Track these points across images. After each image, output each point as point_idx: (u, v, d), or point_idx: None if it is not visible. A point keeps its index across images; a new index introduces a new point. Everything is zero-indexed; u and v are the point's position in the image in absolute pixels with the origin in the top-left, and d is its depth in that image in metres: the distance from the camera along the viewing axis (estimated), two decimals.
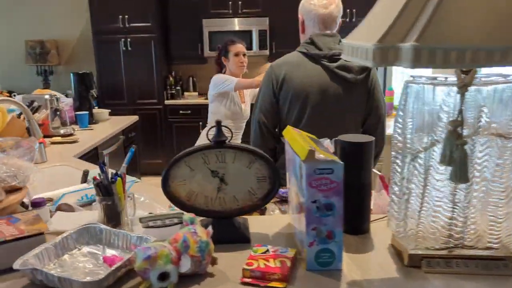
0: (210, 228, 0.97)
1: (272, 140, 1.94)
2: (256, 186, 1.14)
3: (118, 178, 1.15)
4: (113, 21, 4.98)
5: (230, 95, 2.88)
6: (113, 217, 1.16)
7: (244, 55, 2.93)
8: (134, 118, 4.06)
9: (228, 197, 1.15)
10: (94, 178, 1.15)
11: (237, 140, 3.00)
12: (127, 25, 5.00)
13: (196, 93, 5.36)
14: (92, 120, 3.59)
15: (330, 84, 1.81)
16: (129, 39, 5.02)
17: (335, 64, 1.80)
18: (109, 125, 3.64)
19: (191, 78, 5.48)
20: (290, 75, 1.83)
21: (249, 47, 5.14)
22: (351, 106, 1.85)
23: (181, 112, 5.19)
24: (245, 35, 5.18)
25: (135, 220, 1.21)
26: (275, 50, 5.21)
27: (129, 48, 5.04)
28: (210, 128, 1.12)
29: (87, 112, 3.48)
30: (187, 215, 1.01)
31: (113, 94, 5.13)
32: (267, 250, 1.02)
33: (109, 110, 3.91)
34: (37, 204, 1.23)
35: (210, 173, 1.13)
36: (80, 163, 2.43)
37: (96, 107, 3.88)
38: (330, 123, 1.82)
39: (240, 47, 2.93)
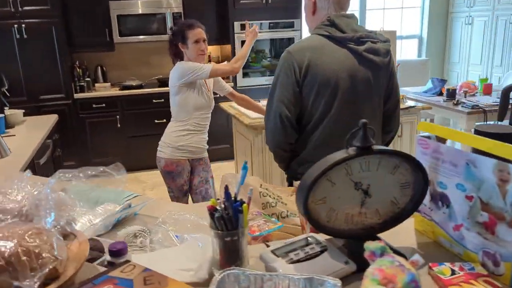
0: (417, 257, 0.77)
1: (295, 134, 1.74)
2: (399, 195, 0.96)
3: (244, 206, 0.87)
4: (1, 4, 4.14)
5: (198, 85, 2.55)
6: (233, 254, 0.88)
7: (204, 41, 2.58)
8: (53, 117, 3.45)
9: (370, 211, 0.95)
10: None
11: (205, 134, 2.70)
12: (19, 9, 4.19)
13: (109, 84, 4.78)
14: (7, 123, 2.95)
15: (359, 68, 1.66)
16: (23, 25, 4.23)
17: (363, 47, 1.65)
18: (29, 128, 3.03)
19: (99, 68, 4.86)
20: (315, 61, 1.63)
21: (163, 31, 4.74)
22: (378, 90, 1.73)
23: (94, 106, 4.59)
24: (158, 18, 4.74)
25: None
26: None
27: (25, 36, 4.25)
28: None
29: (2, 115, 2.84)
30: (373, 244, 0.79)
31: (9, 91, 4.31)
32: (454, 271, 0.85)
33: (23, 110, 3.25)
34: (118, 252, 0.88)
35: (353, 185, 0.92)
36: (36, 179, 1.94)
37: (7, 108, 3.19)
38: (359, 108, 1.69)
39: (200, 32, 2.55)
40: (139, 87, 4.79)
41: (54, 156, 3.13)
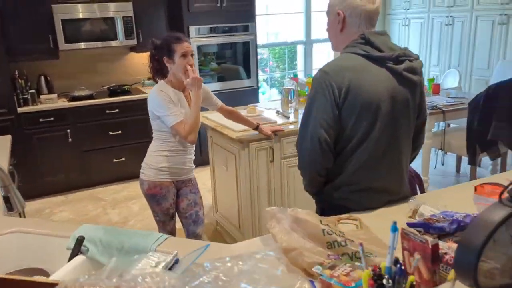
0: None
1: (332, 158, 1.61)
2: None
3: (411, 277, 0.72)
4: None
5: (178, 108, 2.30)
6: None
7: (192, 55, 2.34)
8: (6, 139, 3.00)
9: None
10: None
11: (191, 154, 2.48)
12: None
13: (55, 95, 4.30)
14: None
15: (399, 88, 1.57)
16: None
17: (402, 66, 1.56)
18: None
19: (42, 78, 4.36)
20: (356, 82, 1.51)
21: (114, 37, 4.37)
22: (414, 109, 1.65)
23: (41, 120, 4.10)
24: (107, 23, 4.35)
25: None
26: (142, 38, 4.53)
27: None
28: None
29: None
30: None
31: None
32: None
33: None
34: None
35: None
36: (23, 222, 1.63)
37: None
38: (398, 129, 1.60)
39: (187, 45, 2.29)
40: (90, 97, 4.37)
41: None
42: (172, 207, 2.45)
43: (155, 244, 1.47)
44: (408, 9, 6.14)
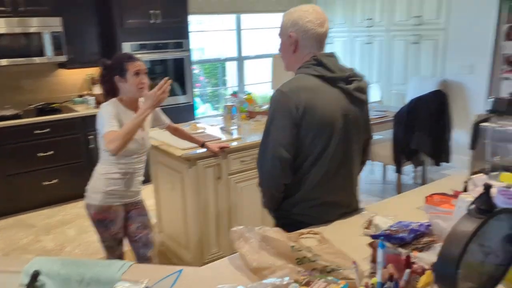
0: None
1: (291, 175, 1.65)
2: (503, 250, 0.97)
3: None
4: None
5: (121, 124, 2.18)
6: None
7: (145, 73, 2.29)
8: None
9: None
10: None
11: (141, 176, 2.40)
12: None
13: None
14: None
15: (350, 107, 1.66)
16: None
17: (352, 86, 1.66)
18: None
19: None
20: (313, 102, 1.58)
21: (39, 53, 4.13)
22: (363, 126, 1.76)
23: None
24: (32, 38, 4.10)
25: None
26: (72, 55, 4.33)
27: None
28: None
29: None
30: None
31: None
32: None
33: None
34: None
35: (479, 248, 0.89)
36: None
37: None
38: (350, 146, 1.70)
39: (140, 64, 2.24)
40: (16, 117, 4.06)
41: None
42: (121, 231, 2.35)
43: (119, 272, 1.41)
44: (332, 28, 6.48)
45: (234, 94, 3.75)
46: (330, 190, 1.68)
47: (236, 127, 3.35)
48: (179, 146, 2.81)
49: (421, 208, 1.78)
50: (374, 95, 5.80)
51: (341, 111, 1.63)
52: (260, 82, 6.62)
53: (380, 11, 5.70)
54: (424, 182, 4.37)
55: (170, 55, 4.73)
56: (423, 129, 3.89)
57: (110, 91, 2.29)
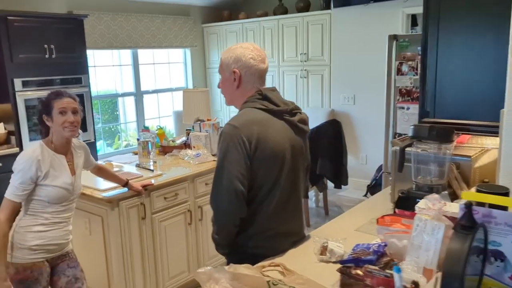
0: None
1: (246, 208, 1.62)
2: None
3: None
4: None
5: (51, 175, 1.98)
6: None
7: (75, 112, 2.02)
8: None
9: None
10: None
11: (70, 225, 2.12)
12: None
13: None
14: None
15: (295, 138, 1.70)
16: None
17: (296, 118, 1.71)
18: None
19: None
20: (264, 135, 1.59)
21: None
22: (306, 155, 1.80)
23: None
24: None
25: None
26: None
27: None
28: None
29: None
30: None
31: None
32: None
33: None
34: None
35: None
36: None
37: None
38: (297, 175, 1.73)
39: (69, 101, 1.99)
40: None
41: None
42: None
43: None
44: None
45: (146, 129, 3.58)
46: (283, 220, 1.68)
47: (151, 163, 3.19)
48: (97, 187, 2.58)
49: (360, 230, 1.88)
50: None
51: (289, 142, 1.67)
52: (161, 116, 6.46)
53: (270, 49, 6.02)
54: (326, 204, 4.63)
55: (69, 91, 4.35)
56: (325, 155, 4.15)
57: (43, 132, 2.06)
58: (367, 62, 5.09)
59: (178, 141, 3.62)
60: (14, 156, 3.93)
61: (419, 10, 4.90)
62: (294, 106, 1.73)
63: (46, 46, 4.14)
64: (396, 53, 2.76)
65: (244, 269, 1.36)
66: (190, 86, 6.71)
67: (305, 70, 5.74)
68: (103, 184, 2.63)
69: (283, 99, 1.73)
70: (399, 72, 2.72)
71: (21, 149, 4.08)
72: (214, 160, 3.23)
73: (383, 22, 4.95)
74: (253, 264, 1.56)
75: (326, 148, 4.18)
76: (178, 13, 6.28)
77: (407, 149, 1.81)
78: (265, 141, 1.58)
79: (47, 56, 4.16)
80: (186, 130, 3.72)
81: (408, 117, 2.71)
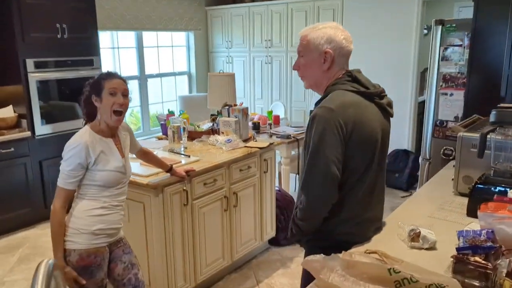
0: None
1: (337, 193, 1.56)
2: None
3: None
4: None
5: (102, 158, 1.88)
6: None
7: (125, 95, 1.91)
8: None
9: None
10: None
11: (123, 209, 2.03)
12: None
13: None
14: None
15: (384, 122, 1.66)
16: None
17: (385, 101, 1.65)
18: None
19: None
20: (359, 118, 1.53)
21: None
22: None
23: None
24: None
25: None
26: None
27: None
28: None
29: None
30: None
31: None
32: None
33: None
34: None
35: None
36: None
37: None
38: (384, 159, 1.69)
39: (119, 82, 1.88)
40: None
41: None
42: (106, 276, 1.95)
43: None
44: (230, 48, 6.52)
45: (171, 113, 3.46)
46: (370, 205, 1.64)
47: (182, 148, 3.09)
48: (138, 173, 2.48)
49: (435, 217, 1.85)
50: (279, 112, 5.99)
51: (380, 126, 1.62)
52: (164, 101, 6.31)
53: (278, 34, 5.93)
54: None
55: (80, 73, 4.18)
56: None
57: (90, 114, 1.94)
58: (382, 49, 5.06)
59: (203, 126, 3.52)
60: (25, 140, 3.81)
61: None
62: (382, 88, 1.68)
63: (58, 25, 3.94)
64: (439, 39, 2.73)
65: (360, 256, 1.31)
66: (193, 70, 6.57)
67: None
68: (143, 169, 2.52)
69: (371, 82, 1.67)
70: (443, 58, 2.69)
71: (32, 133, 3.90)
72: (246, 146, 3.16)
73: (398, 9, 4.92)
74: (339, 251, 1.52)
75: None
76: None
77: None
78: (361, 125, 1.52)
79: (59, 36, 3.96)
80: (211, 115, 3.62)
81: (451, 103, 2.69)
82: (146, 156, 2.36)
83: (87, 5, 4.20)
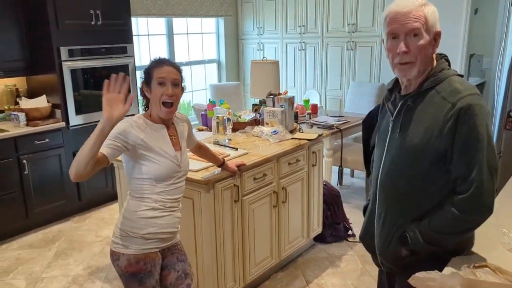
0: None
1: None
2: None
3: None
4: None
5: (147, 143, 1.69)
6: None
7: (176, 84, 1.74)
8: None
9: None
10: None
11: (179, 210, 1.87)
12: None
13: None
14: None
15: None
16: None
17: None
18: None
19: None
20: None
21: None
22: None
23: None
24: None
25: None
26: None
27: None
28: None
29: None
30: None
31: None
32: None
33: None
34: None
35: None
36: None
37: None
38: None
39: (169, 70, 1.72)
40: None
41: None
42: (158, 284, 1.79)
43: None
44: (262, 35, 6.29)
45: (212, 103, 3.29)
46: None
47: (227, 140, 2.92)
48: (192, 168, 2.31)
49: None
50: (314, 100, 5.76)
51: None
52: (194, 90, 6.14)
53: (313, 19, 5.67)
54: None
55: (114, 61, 4.04)
56: None
57: (146, 103, 1.79)
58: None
59: (245, 117, 3.34)
60: (59, 130, 3.70)
61: None
62: None
63: (92, 11, 3.79)
64: None
65: (486, 275, 1.11)
66: (223, 58, 6.38)
67: (352, 41, 5.41)
68: (193, 163, 2.36)
69: None
70: None
71: (67, 123, 3.79)
72: (293, 138, 2.97)
73: None
74: (436, 262, 1.33)
75: None
76: None
77: None
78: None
79: (93, 22, 3.82)
80: (253, 105, 3.43)
81: None
82: (201, 151, 2.19)
83: None
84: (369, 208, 1.63)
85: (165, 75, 1.71)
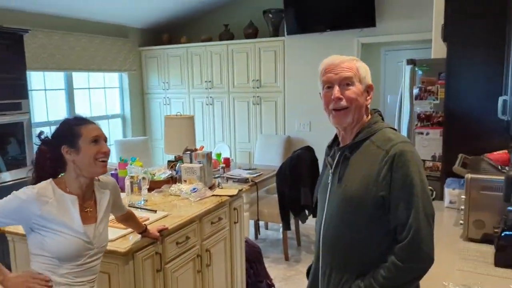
0: None
1: None
2: None
3: None
4: None
5: (45, 218, 1.46)
6: None
7: (106, 141, 1.57)
8: None
9: None
10: None
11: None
12: None
13: None
14: None
15: None
16: None
17: None
18: None
19: None
20: None
21: None
22: None
23: None
24: None
25: None
26: None
27: None
28: None
29: None
30: None
31: None
32: None
33: None
34: None
35: None
36: None
37: None
38: None
39: (97, 128, 1.55)
40: None
41: None
42: None
43: None
44: (168, 89, 6.19)
45: (124, 162, 3.02)
46: None
47: (143, 201, 2.68)
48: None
49: (466, 270, 1.67)
50: (225, 154, 5.70)
51: None
52: None
53: (218, 74, 5.74)
54: (298, 235, 4.42)
55: (7, 118, 3.57)
56: (305, 184, 3.95)
57: (51, 170, 1.52)
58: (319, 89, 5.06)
59: (160, 175, 3.13)
60: None
61: (372, 40, 5.13)
62: None
63: None
64: (410, 78, 2.71)
65: None
66: (128, 113, 6.10)
67: (257, 96, 5.56)
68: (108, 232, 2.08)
69: None
70: (417, 97, 2.67)
71: None
72: (213, 195, 2.83)
73: (338, 50, 4.96)
74: None
75: (306, 176, 3.99)
76: (117, 34, 5.70)
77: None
78: None
79: None
80: (169, 161, 3.25)
81: (428, 143, 2.65)
82: (128, 219, 1.94)
83: (14, 41, 3.66)
84: (312, 268, 1.55)
85: (98, 133, 1.55)
